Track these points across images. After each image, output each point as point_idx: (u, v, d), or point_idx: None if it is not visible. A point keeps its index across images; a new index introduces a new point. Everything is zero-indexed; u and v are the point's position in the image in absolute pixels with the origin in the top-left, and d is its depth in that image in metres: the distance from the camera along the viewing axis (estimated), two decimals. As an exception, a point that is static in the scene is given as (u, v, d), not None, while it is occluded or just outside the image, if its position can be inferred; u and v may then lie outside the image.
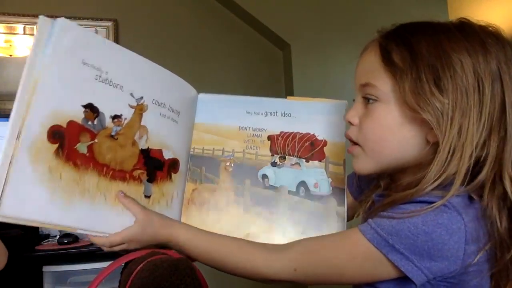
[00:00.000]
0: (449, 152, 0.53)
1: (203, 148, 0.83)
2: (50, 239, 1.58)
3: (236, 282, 2.25)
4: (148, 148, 0.75)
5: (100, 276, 0.66)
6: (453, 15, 2.20)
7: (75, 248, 1.46)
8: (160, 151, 0.76)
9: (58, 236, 1.55)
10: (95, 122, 0.67)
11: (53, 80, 0.62)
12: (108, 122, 0.69)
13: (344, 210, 0.77)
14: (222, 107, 0.85)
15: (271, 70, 2.32)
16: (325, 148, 0.81)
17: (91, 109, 0.67)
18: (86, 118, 0.66)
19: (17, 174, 0.58)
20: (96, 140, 0.67)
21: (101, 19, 2.06)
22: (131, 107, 0.72)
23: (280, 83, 2.31)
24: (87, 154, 0.66)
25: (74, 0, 2.06)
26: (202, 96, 0.86)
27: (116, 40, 2.03)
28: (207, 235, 0.69)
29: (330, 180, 0.80)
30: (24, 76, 0.61)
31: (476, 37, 0.55)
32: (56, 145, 0.62)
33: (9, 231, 1.34)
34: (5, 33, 1.97)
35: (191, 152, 0.83)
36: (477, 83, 0.54)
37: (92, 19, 2.05)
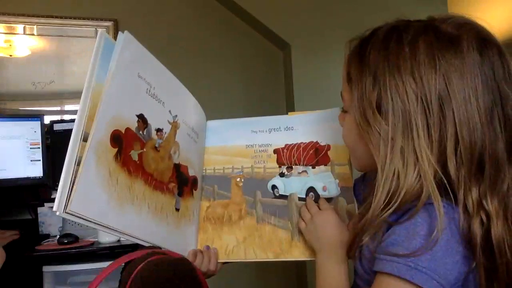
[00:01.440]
0: (394, 174, 0.53)
1: (214, 168, 0.88)
2: (50, 239, 1.58)
3: (236, 282, 2.24)
4: (179, 163, 0.80)
5: (100, 276, 0.66)
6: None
7: (75, 248, 1.46)
8: (186, 168, 0.82)
9: (58, 236, 1.55)
10: (145, 132, 0.72)
11: (116, 88, 0.65)
12: (153, 134, 0.73)
13: (354, 207, 0.78)
14: (228, 130, 0.91)
15: (271, 70, 2.32)
16: (329, 152, 0.84)
17: (142, 120, 0.71)
18: (138, 128, 0.70)
19: (85, 174, 0.59)
20: (144, 149, 0.71)
21: (101, 19, 2.06)
22: (169, 122, 0.77)
23: (280, 83, 2.31)
24: (138, 162, 0.69)
25: (74, 0, 2.06)
26: (209, 122, 0.92)
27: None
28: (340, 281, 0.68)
29: (337, 181, 0.82)
30: (86, 83, 0.63)
31: (427, 52, 0.53)
32: (116, 149, 0.65)
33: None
34: (5, 33, 1.97)
35: (203, 173, 0.88)
36: (421, 105, 0.52)
37: (92, 19, 2.05)
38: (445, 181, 0.52)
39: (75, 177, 0.58)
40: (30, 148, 1.63)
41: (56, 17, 2.01)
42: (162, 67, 0.76)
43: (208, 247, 0.82)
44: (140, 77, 0.70)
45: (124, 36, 0.68)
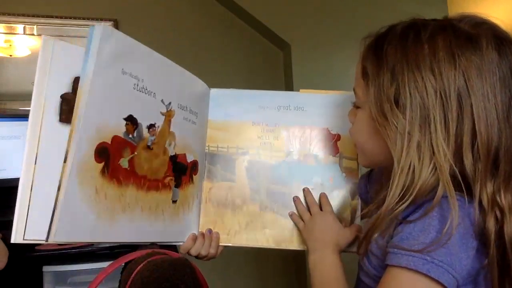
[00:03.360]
0: (409, 168, 0.53)
1: (217, 146, 0.83)
2: (50, 239, 1.58)
3: (236, 282, 2.24)
4: (175, 154, 0.75)
5: (100, 276, 0.66)
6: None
7: (75, 248, 1.46)
8: (184, 156, 0.77)
9: (58, 236, 1.54)
10: (135, 134, 0.66)
11: (97, 94, 0.58)
12: (145, 132, 0.68)
13: (356, 203, 0.78)
14: (235, 102, 0.84)
15: (271, 70, 2.31)
16: (338, 142, 0.82)
17: (131, 122, 0.65)
18: (127, 131, 0.64)
19: (67, 198, 0.55)
20: (136, 153, 0.66)
21: (101, 19, 2.06)
22: (162, 114, 0.71)
23: (280, 83, 2.31)
24: (128, 168, 0.65)
25: (74, 0, 2.06)
26: (213, 91, 0.85)
27: (116, 40, 2.02)
28: (336, 276, 0.69)
29: (344, 174, 0.80)
30: (34, 99, 0.60)
31: (447, 49, 0.54)
32: (102, 164, 0.60)
33: (10, 231, 1.34)
34: (5, 33, 1.97)
35: (206, 151, 0.83)
36: (440, 100, 0.52)
37: (92, 19, 2.05)
38: (459, 177, 0.52)
39: (55, 204, 0.54)
40: (30, 148, 1.63)
41: (56, 17, 2.01)
42: (151, 52, 0.69)
43: (210, 231, 0.81)
44: (125, 73, 0.62)
45: (100, 31, 0.57)
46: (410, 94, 0.53)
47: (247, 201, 0.82)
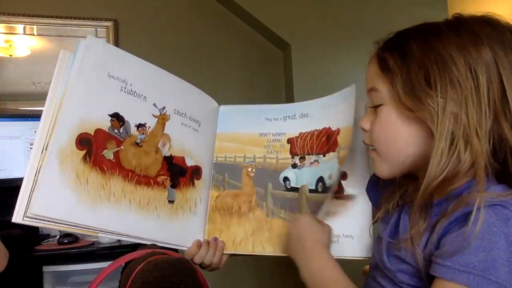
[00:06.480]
0: (446, 143, 0.53)
1: (225, 156, 0.86)
2: (50, 239, 1.58)
3: (236, 282, 2.24)
4: (171, 155, 0.79)
5: (100, 276, 0.66)
6: (453, 15, 2.17)
7: (75, 248, 1.46)
8: (182, 158, 0.81)
9: (58, 236, 1.54)
10: (121, 130, 0.72)
11: (80, 92, 0.68)
12: (133, 130, 0.74)
13: (353, 190, 0.77)
14: (242, 117, 0.88)
15: (271, 70, 2.32)
16: (338, 137, 0.81)
17: (117, 118, 0.72)
18: (113, 127, 0.71)
19: (45, 180, 0.62)
20: (122, 147, 0.72)
21: (101, 19, 2.06)
22: (154, 116, 0.77)
23: (280, 83, 2.31)
24: (113, 160, 0.71)
25: (74, 0, 2.06)
26: (223, 108, 0.89)
27: (116, 40, 2.03)
28: (330, 276, 0.67)
29: (338, 166, 0.79)
30: (49, 98, 0.67)
31: (467, 30, 0.56)
32: (84, 152, 0.67)
33: (10, 231, 1.34)
34: (5, 33, 1.97)
35: (214, 161, 0.85)
36: (469, 72, 0.54)
37: (92, 19, 2.05)
38: (490, 153, 0.53)
39: (34, 183, 0.61)
40: (30, 148, 1.63)
41: (56, 17, 2.01)
42: (143, 62, 0.77)
43: (216, 239, 0.80)
44: (111, 76, 0.71)
45: (86, 41, 0.69)
46: (440, 72, 0.54)
47: (254, 207, 0.82)
